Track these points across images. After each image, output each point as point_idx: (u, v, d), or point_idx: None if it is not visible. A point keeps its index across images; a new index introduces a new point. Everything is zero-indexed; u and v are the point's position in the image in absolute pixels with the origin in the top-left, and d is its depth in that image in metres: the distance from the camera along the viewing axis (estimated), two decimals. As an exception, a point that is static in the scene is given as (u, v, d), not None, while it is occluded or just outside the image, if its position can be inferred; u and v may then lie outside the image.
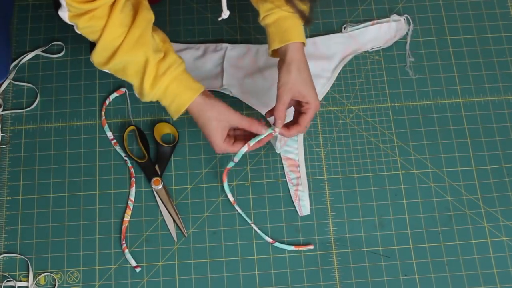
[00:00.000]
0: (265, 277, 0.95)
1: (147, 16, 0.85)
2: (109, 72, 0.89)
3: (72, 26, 0.84)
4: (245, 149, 0.90)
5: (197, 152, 1.02)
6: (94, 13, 0.80)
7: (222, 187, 0.99)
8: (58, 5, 0.80)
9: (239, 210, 0.98)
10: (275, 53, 0.93)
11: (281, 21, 0.90)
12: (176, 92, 0.87)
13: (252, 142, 0.90)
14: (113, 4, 0.81)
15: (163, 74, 0.86)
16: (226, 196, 0.99)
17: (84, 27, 0.82)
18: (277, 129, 0.90)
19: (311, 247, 0.96)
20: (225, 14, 0.83)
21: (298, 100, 0.90)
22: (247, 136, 0.91)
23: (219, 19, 0.83)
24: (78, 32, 0.84)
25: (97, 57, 0.86)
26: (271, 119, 0.93)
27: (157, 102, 1.05)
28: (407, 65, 1.08)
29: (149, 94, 0.87)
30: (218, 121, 0.88)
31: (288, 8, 0.88)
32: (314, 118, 1.04)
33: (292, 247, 0.96)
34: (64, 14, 0.81)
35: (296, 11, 0.86)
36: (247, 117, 0.89)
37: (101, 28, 0.82)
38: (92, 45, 0.86)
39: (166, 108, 0.90)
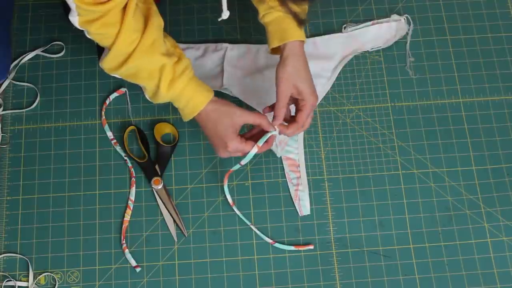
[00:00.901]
0: (265, 277, 0.95)
1: (158, 22, 0.87)
2: (118, 76, 0.89)
3: (74, 26, 0.83)
4: (255, 150, 0.89)
5: (197, 152, 1.02)
6: (105, 20, 0.80)
7: (222, 187, 0.99)
8: (67, 10, 0.79)
9: (238, 212, 0.98)
10: (274, 50, 0.94)
11: (280, 19, 0.90)
12: (192, 93, 0.88)
13: (260, 143, 0.89)
14: (124, 10, 0.81)
15: (179, 76, 0.87)
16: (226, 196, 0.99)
17: (96, 34, 0.82)
18: (276, 127, 0.90)
19: (311, 247, 0.96)
20: (225, 14, 0.83)
21: (296, 98, 0.91)
22: (253, 139, 0.91)
23: (219, 19, 0.84)
24: (89, 37, 0.84)
25: (109, 63, 0.86)
26: (270, 115, 0.93)
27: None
28: (407, 65, 1.08)
29: (165, 96, 0.88)
30: (232, 118, 0.88)
31: (283, 9, 0.88)
32: (314, 118, 1.04)
33: (292, 247, 0.96)
34: (74, 19, 0.80)
35: (290, 13, 0.87)
36: (255, 112, 0.90)
37: (114, 35, 0.82)
38: (99, 50, 0.86)
39: (179, 110, 0.91)
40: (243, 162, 0.91)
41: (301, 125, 0.91)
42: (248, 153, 0.89)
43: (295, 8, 0.88)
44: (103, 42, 0.84)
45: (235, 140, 0.88)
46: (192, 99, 0.88)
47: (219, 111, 0.88)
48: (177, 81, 0.87)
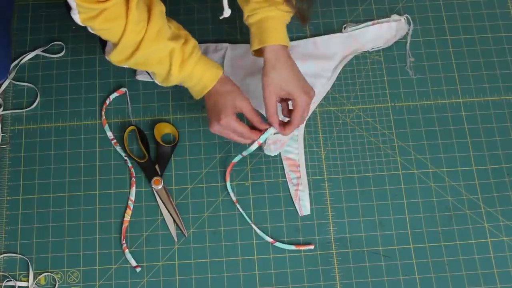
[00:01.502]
0: (265, 277, 0.95)
1: (160, 8, 0.87)
2: (126, 66, 0.90)
3: (74, 26, 0.83)
4: (255, 146, 0.92)
5: (197, 152, 1.02)
6: (107, 14, 0.80)
7: (223, 187, 0.99)
8: (69, 8, 0.79)
9: (241, 210, 0.98)
10: (258, 53, 0.94)
11: (262, 22, 0.91)
12: (202, 72, 0.90)
13: (262, 139, 0.91)
14: (127, 2, 0.81)
15: (189, 57, 0.89)
16: (226, 196, 0.99)
17: (101, 29, 0.82)
18: (273, 129, 0.91)
19: (312, 246, 0.96)
20: (227, 12, 0.84)
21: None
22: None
23: (221, 17, 0.84)
24: (92, 32, 0.84)
25: (118, 55, 0.87)
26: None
27: (158, 101, 1.05)
28: (407, 65, 1.08)
29: (176, 78, 0.90)
30: (234, 99, 0.90)
31: (285, 7, 0.88)
32: (314, 118, 1.04)
33: (293, 247, 0.96)
34: (75, 16, 0.80)
35: (293, 8, 0.87)
36: (254, 109, 0.91)
37: (121, 29, 0.82)
38: (102, 44, 0.86)
39: (189, 89, 0.93)
40: (245, 153, 0.94)
41: (296, 125, 0.92)
42: (249, 145, 0.92)
43: (298, 4, 0.87)
44: (108, 37, 0.84)
45: (231, 117, 0.89)
46: (202, 78, 0.90)
47: (225, 89, 0.90)
48: (187, 62, 0.88)
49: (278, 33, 0.91)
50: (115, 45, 0.85)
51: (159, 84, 0.94)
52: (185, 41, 0.89)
